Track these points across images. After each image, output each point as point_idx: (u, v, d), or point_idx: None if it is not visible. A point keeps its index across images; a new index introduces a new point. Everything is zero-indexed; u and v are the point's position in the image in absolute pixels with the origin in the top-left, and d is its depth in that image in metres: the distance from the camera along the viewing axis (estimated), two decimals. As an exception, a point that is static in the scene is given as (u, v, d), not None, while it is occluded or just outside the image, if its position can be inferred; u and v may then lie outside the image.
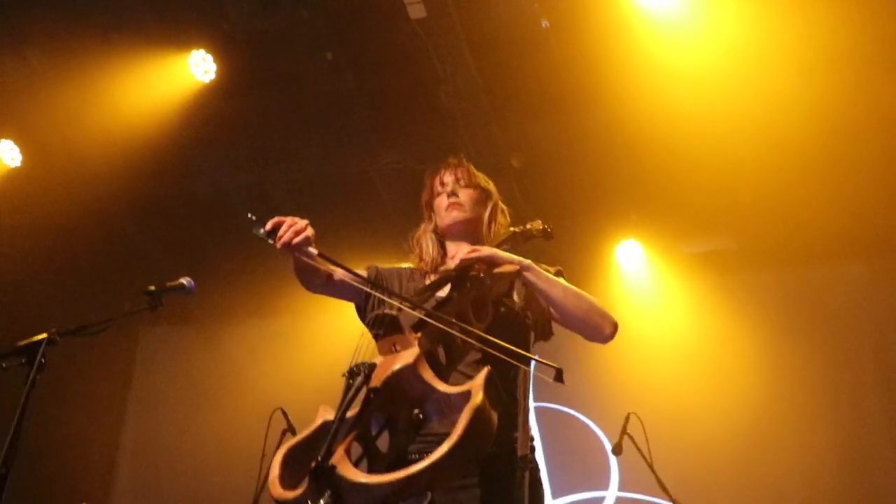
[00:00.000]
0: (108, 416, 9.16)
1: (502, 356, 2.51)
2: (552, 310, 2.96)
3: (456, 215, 3.21)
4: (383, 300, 2.93)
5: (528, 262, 2.93)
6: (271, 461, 2.36)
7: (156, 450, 8.94)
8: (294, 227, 2.71)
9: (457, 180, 3.27)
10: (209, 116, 6.90)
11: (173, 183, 7.70)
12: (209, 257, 8.23)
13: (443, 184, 3.29)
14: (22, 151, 7.27)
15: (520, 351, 2.52)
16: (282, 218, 2.73)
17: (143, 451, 9.08)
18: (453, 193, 3.23)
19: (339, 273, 3.04)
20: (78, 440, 8.43)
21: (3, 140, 7.26)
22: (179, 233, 8.24)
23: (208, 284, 8.18)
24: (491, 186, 3.35)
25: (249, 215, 2.71)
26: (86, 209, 7.46)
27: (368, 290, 2.94)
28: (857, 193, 7.25)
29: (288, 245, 2.70)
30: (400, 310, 2.59)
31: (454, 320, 2.71)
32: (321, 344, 7.39)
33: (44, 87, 6.73)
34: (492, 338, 2.56)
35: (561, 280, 3.04)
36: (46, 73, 6.64)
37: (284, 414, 5.54)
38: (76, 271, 8.07)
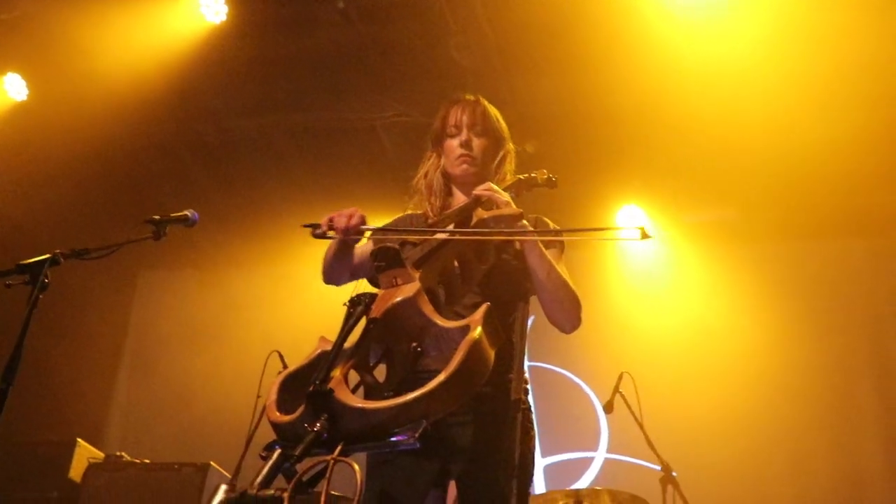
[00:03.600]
0: (105, 358, 9.19)
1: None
2: (533, 281, 2.98)
3: (466, 168, 3.17)
4: None
5: (525, 222, 2.92)
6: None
7: (151, 391, 8.98)
8: (344, 214, 2.83)
9: (472, 125, 3.18)
10: (217, 58, 6.88)
11: (179, 124, 7.70)
12: (211, 201, 8.24)
13: (457, 126, 3.19)
14: (28, 86, 7.25)
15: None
16: (331, 214, 2.86)
17: (138, 392, 9.13)
18: (467, 144, 3.16)
19: (356, 255, 3.07)
20: (73, 379, 8.46)
21: (10, 74, 7.25)
22: (183, 175, 8.24)
23: (209, 228, 8.25)
24: (504, 129, 3.28)
25: (303, 225, 2.86)
26: (90, 146, 7.44)
27: (390, 235, 2.96)
28: (861, 171, 7.26)
29: (347, 230, 2.82)
30: (402, 244, 2.62)
31: (456, 262, 2.75)
32: (320, 290, 7.39)
33: (52, 23, 6.70)
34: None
35: (559, 263, 3.05)
36: (55, 8, 6.62)
37: (281, 357, 5.56)
38: (78, 208, 8.07)
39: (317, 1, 6.57)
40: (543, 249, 2.95)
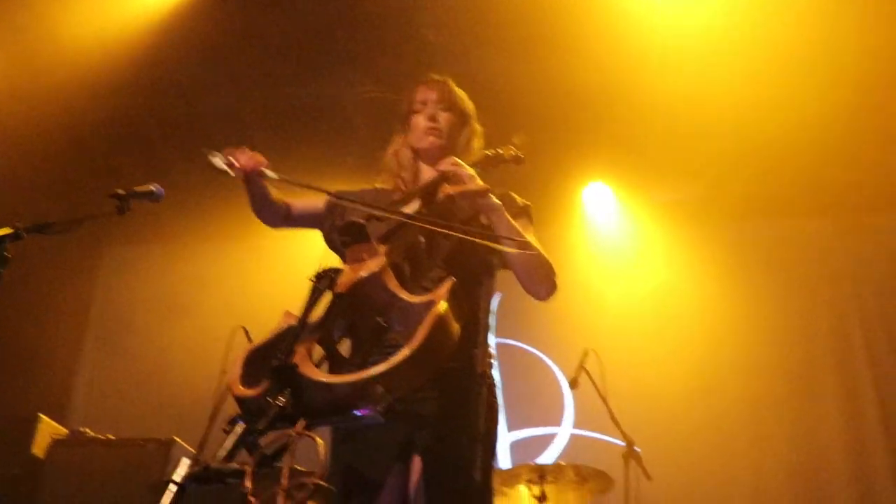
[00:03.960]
0: (69, 333, 9.10)
1: (477, 240, 2.65)
2: (502, 254, 2.99)
3: (433, 140, 3.21)
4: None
5: (495, 201, 2.93)
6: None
7: (115, 367, 8.91)
8: (247, 155, 2.90)
9: (438, 101, 3.24)
10: (186, 32, 6.80)
11: (146, 97, 7.60)
12: (179, 177, 8.16)
13: (424, 102, 3.25)
14: (-10, 59, 7.15)
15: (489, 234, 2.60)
16: (234, 148, 2.91)
17: (102, 367, 9.06)
18: (433, 118, 3.22)
19: (298, 203, 3.13)
20: (36, 355, 8.38)
21: (-29, 43, 7.14)
22: (150, 151, 8.16)
23: (175, 203, 8.16)
24: (470, 108, 3.34)
25: (203, 149, 2.86)
26: (55, 119, 7.32)
27: (335, 198, 2.98)
28: (826, 150, 7.32)
29: (248, 171, 2.88)
30: (368, 219, 2.62)
31: (422, 237, 2.75)
32: (286, 264, 7.39)
33: (15, -1, 6.61)
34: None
35: (527, 229, 3.07)
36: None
37: (246, 332, 5.53)
38: (42, 181, 7.96)
39: (287, -25, 6.52)
40: (510, 218, 2.96)
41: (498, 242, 2.83)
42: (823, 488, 7.43)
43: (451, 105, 3.26)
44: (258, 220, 3.30)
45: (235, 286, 8.60)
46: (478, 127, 3.35)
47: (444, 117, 3.24)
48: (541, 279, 3.02)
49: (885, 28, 6.36)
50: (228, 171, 2.84)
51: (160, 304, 9.01)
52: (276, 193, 3.16)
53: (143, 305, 9.10)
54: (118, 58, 6.82)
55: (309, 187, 2.90)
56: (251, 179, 2.96)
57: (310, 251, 3.16)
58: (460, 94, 3.33)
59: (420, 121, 3.24)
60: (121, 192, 3.29)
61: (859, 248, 8.15)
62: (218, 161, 2.83)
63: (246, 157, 2.89)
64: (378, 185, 3.32)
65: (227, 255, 8.91)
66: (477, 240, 2.77)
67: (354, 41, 6.97)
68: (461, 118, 3.28)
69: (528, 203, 3.22)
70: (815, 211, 8.22)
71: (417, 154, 3.28)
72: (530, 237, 3.03)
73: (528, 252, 2.90)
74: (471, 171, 2.91)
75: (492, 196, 2.91)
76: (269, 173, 2.91)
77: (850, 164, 7.48)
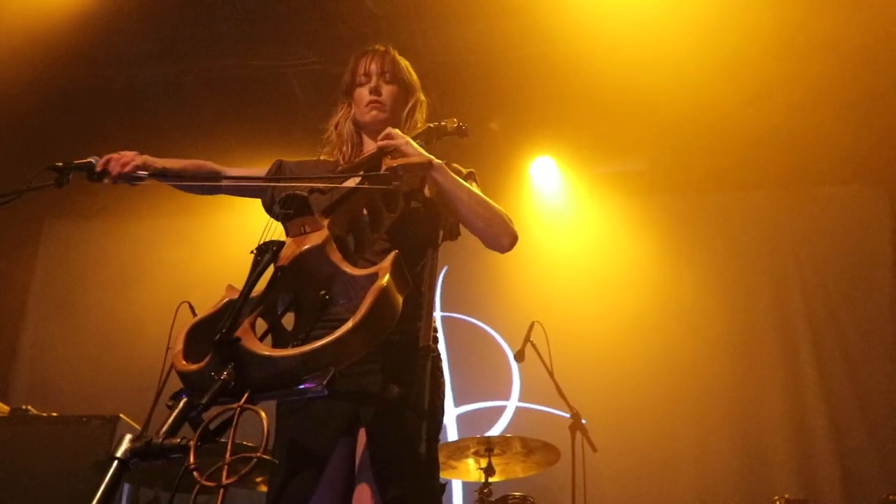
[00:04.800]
0: (9, 309, 8.97)
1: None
2: (456, 212, 2.98)
3: (376, 115, 3.18)
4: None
5: (438, 161, 2.93)
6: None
7: (58, 343, 8.79)
8: (120, 161, 2.98)
9: (381, 73, 3.21)
10: (123, 3, 6.69)
11: (85, 69, 7.46)
12: (118, 149, 8.01)
13: (366, 74, 3.22)
14: (-76, 26, 6.97)
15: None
16: (108, 156, 3.02)
17: (44, 344, 8.92)
18: (376, 90, 3.19)
19: (232, 171, 3.12)
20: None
21: None
22: (90, 123, 8.00)
23: (117, 178, 8.05)
24: (414, 79, 3.31)
25: (74, 162, 3.02)
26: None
27: (263, 183, 3.00)
28: (765, 125, 7.41)
29: (118, 176, 2.97)
30: (311, 191, 2.60)
31: (365, 210, 2.74)
32: (230, 241, 7.30)
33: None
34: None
35: (473, 186, 3.07)
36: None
37: (191, 307, 5.48)
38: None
39: (229, -55, 6.42)
40: (453, 174, 2.96)
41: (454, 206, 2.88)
42: (766, 457, 7.57)
43: (394, 77, 3.23)
44: (199, 198, 3.29)
45: (179, 260, 8.52)
46: (422, 97, 3.33)
47: (387, 90, 3.21)
48: (500, 229, 3.01)
49: (816, 5, 6.44)
50: (107, 181, 2.92)
51: (103, 278, 8.90)
52: (195, 164, 3.24)
53: (86, 280, 8.99)
54: (55, 29, 6.69)
55: (201, 179, 3.12)
56: (127, 179, 3.00)
57: (253, 224, 3.13)
58: (404, 64, 3.29)
59: (363, 94, 3.21)
60: (59, 164, 3.21)
61: (800, 220, 8.30)
62: (94, 176, 2.91)
63: (118, 166, 2.98)
64: (322, 157, 3.31)
65: (170, 229, 8.82)
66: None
67: (296, 11, 6.89)
68: (405, 90, 3.26)
69: (472, 170, 3.21)
70: (756, 184, 8.35)
71: (360, 127, 3.26)
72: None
73: (480, 202, 2.95)
74: (413, 143, 2.90)
75: (434, 162, 2.90)
76: (143, 174, 2.99)
77: (790, 138, 7.57)
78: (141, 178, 2.95)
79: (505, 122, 7.67)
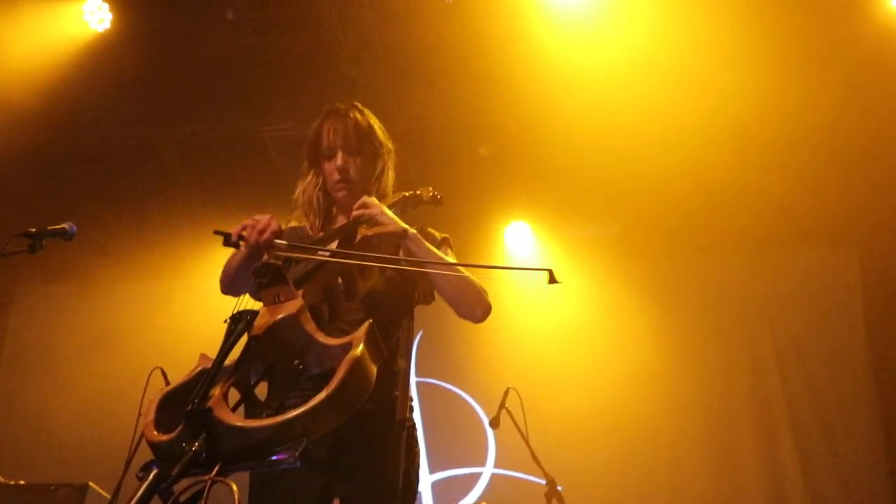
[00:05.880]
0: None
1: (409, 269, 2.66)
2: (430, 281, 2.97)
3: (346, 194, 3.11)
4: None
5: (412, 231, 2.91)
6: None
7: (28, 409, 8.68)
8: (257, 227, 2.70)
9: (345, 145, 3.10)
10: (102, 67, 6.73)
11: (61, 133, 7.47)
12: (94, 213, 8.02)
13: (330, 147, 3.12)
14: None
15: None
16: (245, 222, 2.73)
17: (13, 409, 8.80)
18: (343, 170, 3.09)
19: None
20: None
21: None
22: (64, 186, 8.00)
23: (91, 241, 8.02)
24: (380, 137, 3.19)
25: (214, 231, 2.68)
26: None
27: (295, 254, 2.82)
28: (734, 190, 7.51)
29: (257, 244, 2.69)
30: (286, 261, 2.59)
31: (340, 279, 2.73)
32: (204, 305, 7.28)
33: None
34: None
35: (448, 254, 3.07)
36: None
37: (164, 373, 5.42)
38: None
39: (206, 11, 6.48)
40: (426, 243, 2.94)
41: (423, 268, 2.83)
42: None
43: (359, 146, 3.12)
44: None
45: (152, 326, 8.45)
46: (390, 147, 3.24)
47: (353, 165, 3.11)
48: (474, 300, 2.99)
49: (787, 73, 6.56)
50: (241, 247, 2.73)
51: (75, 343, 8.82)
52: None
53: (58, 345, 8.90)
54: (33, 93, 6.70)
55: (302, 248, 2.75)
56: (257, 251, 2.73)
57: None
58: (366, 123, 3.17)
59: (330, 170, 3.13)
60: (32, 230, 3.21)
61: (772, 282, 8.37)
62: (232, 242, 2.71)
63: (255, 235, 2.69)
64: (293, 224, 3.22)
65: (143, 294, 8.77)
66: (405, 268, 2.76)
67: (272, 76, 6.96)
68: (372, 157, 3.17)
69: (447, 235, 3.20)
70: (729, 246, 8.43)
71: (333, 199, 3.20)
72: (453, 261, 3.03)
73: (455, 274, 2.91)
74: (386, 209, 2.90)
75: (408, 230, 2.90)
76: (280, 243, 2.67)
77: (762, 202, 7.67)
78: (280, 248, 2.64)
79: (479, 187, 7.71)
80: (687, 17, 6.16)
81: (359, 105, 3.23)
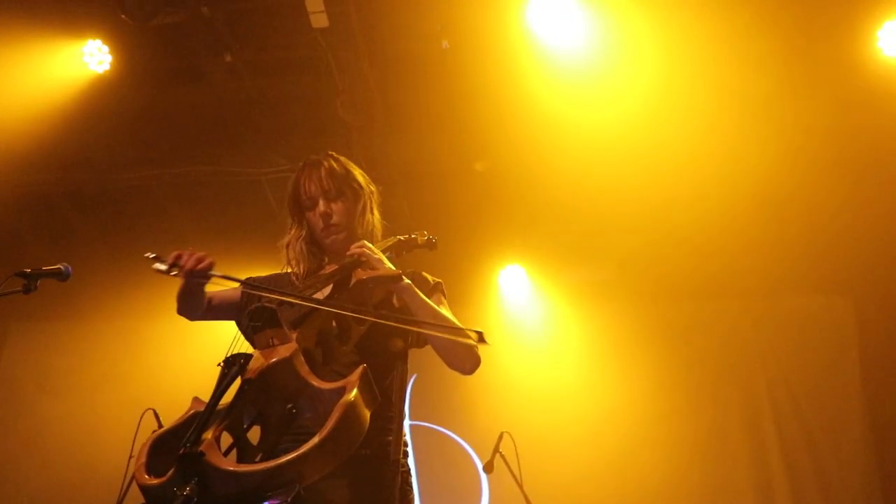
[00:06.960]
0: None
1: (402, 326, 2.67)
2: (421, 332, 2.96)
3: (334, 238, 3.13)
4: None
5: (407, 281, 2.92)
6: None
7: (19, 449, 8.63)
8: (195, 256, 2.75)
9: (324, 192, 3.13)
10: (100, 108, 6.74)
11: (59, 173, 7.50)
12: (89, 253, 8.02)
13: (311, 198, 3.14)
14: None
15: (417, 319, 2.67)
16: (181, 251, 2.77)
17: (5, 449, 8.75)
18: (326, 216, 3.11)
19: (217, 295, 3.05)
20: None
21: None
22: (60, 225, 8.02)
23: (86, 281, 8.00)
24: (358, 179, 3.22)
25: (147, 254, 2.72)
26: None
27: (260, 292, 2.82)
28: (730, 236, 7.54)
29: (192, 272, 2.73)
30: (280, 304, 2.59)
31: (334, 322, 2.73)
32: (198, 346, 7.27)
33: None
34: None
35: (441, 302, 3.08)
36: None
37: (156, 415, 5.41)
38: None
39: (203, 54, 6.52)
40: (419, 292, 2.94)
41: (419, 327, 2.83)
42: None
43: (338, 191, 3.14)
44: (170, 301, 3.17)
45: (146, 366, 8.43)
46: (372, 189, 3.26)
47: (336, 209, 3.13)
48: (464, 355, 3.00)
49: (781, 123, 6.61)
50: (174, 274, 2.74)
51: (68, 383, 8.78)
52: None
53: (51, 384, 8.86)
54: (30, 135, 6.71)
55: (236, 280, 2.79)
56: (191, 279, 2.80)
57: (222, 335, 3.10)
58: (341, 168, 3.19)
59: (315, 219, 3.15)
60: (27, 271, 3.21)
61: (767, 329, 8.39)
62: (159, 265, 2.73)
63: (193, 261, 2.74)
64: (288, 269, 3.23)
65: (137, 335, 8.73)
66: (399, 325, 2.77)
67: (270, 120, 7.00)
68: (353, 198, 3.18)
69: (440, 280, 3.20)
70: (724, 293, 8.45)
71: (321, 246, 3.20)
72: (445, 311, 3.03)
73: (446, 326, 2.90)
74: (379, 254, 2.91)
75: (403, 278, 2.91)
76: (214, 273, 2.76)
77: (757, 249, 7.69)
78: (207, 278, 2.77)
79: (474, 231, 7.72)
80: (681, 71, 6.19)
81: (333, 153, 3.26)
